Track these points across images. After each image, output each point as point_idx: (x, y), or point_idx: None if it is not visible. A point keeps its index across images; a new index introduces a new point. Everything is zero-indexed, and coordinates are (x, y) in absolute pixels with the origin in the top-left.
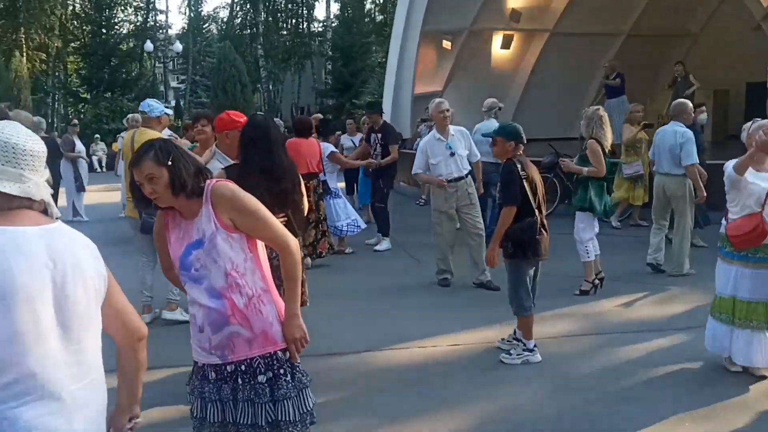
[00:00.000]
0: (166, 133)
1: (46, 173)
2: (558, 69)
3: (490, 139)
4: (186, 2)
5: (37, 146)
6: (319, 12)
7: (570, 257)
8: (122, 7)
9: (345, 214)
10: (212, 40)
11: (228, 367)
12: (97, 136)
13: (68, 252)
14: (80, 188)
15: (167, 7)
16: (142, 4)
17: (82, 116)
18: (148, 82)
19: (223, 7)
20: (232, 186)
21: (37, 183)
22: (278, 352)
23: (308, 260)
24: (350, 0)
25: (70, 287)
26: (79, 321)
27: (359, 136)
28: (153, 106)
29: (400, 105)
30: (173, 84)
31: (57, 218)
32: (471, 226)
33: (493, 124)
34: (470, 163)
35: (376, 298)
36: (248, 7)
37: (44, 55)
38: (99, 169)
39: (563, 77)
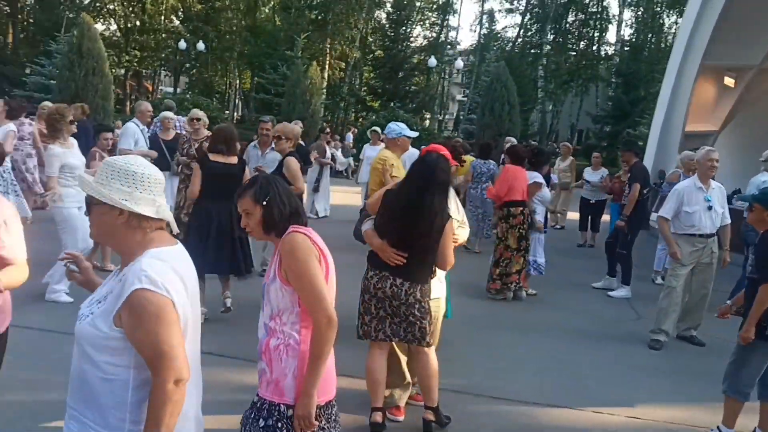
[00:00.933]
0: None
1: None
2: None
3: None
4: (477, 20)
5: (160, 175)
6: (612, 35)
7: None
8: (420, 24)
9: (542, 251)
10: (489, 59)
11: (255, 398)
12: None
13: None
14: (315, 189)
15: (458, 24)
16: (438, 21)
17: (359, 123)
18: (427, 95)
19: (512, 27)
20: (298, 242)
21: (163, 205)
22: (282, 405)
23: (522, 293)
24: (644, 27)
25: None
26: (195, 331)
27: (602, 170)
28: (391, 128)
29: (667, 142)
30: (459, 97)
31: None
32: (701, 286)
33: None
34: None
35: (569, 343)
36: (536, 27)
37: (343, 64)
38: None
39: None
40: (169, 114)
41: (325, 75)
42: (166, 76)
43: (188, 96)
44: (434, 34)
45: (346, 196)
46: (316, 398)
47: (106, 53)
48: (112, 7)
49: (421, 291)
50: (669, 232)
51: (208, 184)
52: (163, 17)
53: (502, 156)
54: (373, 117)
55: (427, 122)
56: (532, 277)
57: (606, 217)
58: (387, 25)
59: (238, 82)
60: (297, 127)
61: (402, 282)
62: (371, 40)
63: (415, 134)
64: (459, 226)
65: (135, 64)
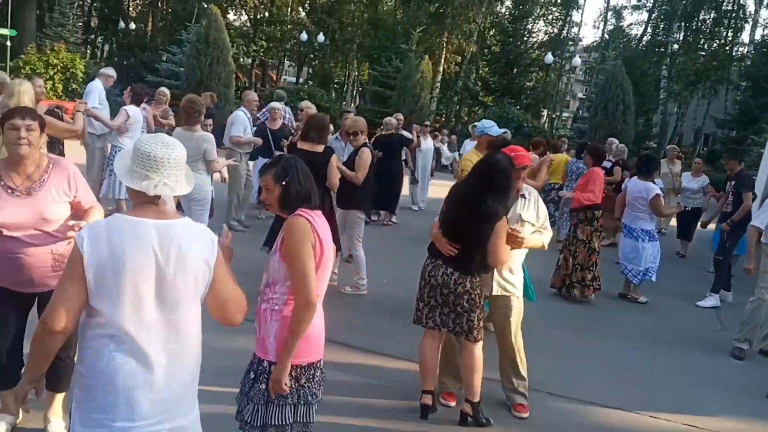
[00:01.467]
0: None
1: (176, 173)
2: None
3: None
4: (602, 17)
5: (169, 154)
6: (746, 35)
7: None
8: (542, 19)
9: (649, 259)
10: (609, 57)
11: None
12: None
13: (177, 242)
14: (413, 181)
15: (581, 20)
16: (560, 17)
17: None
18: (543, 92)
19: (637, 24)
20: (295, 225)
21: (157, 183)
22: (265, 361)
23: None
24: None
25: (170, 270)
26: (176, 297)
27: (702, 178)
28: (478, 125)
29: None
30: (580, 95)
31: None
32: None
33: None
34: None
35: (644, 347)
36: (664, 25)
37: (459, 58)
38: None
39: None
40: (277, 104)
41: (440, 69)
42: (291, 66)
43: (305, 86)
44: (556, 30)
45: (445, 191)
46: (289, 366)
47: (236, 42)
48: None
49: (471, 282)
50: (754, 243)
51: None
52: (289, 9)
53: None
54: (482, 111)
55: (543, 119)
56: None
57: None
58: (506, 20)
59: (356, 73)
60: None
61: (452, 271)
62: (489, 34)
63: (500, 131)
64: (536, 230)
65: (261, 54)
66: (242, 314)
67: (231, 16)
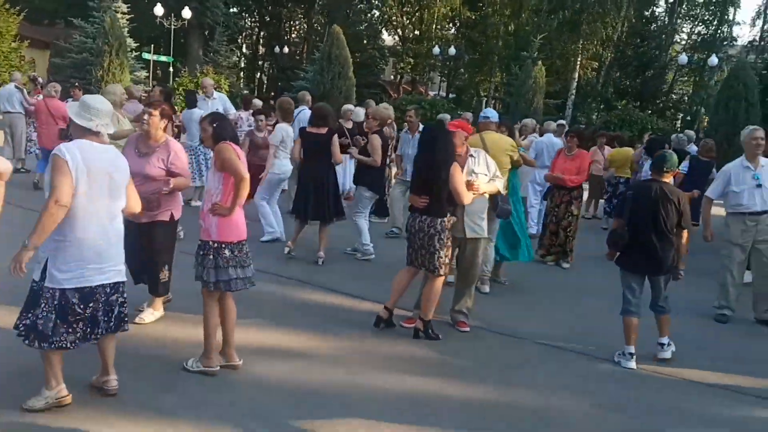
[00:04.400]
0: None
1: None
2: None
3: None
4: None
5: (103, 106)
6: None
7: None
8: (692, 20)
9: None
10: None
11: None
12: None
13: (114, 158)
14: None
15: (733, 18)
16: (708, 17)
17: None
18: (677, 94)
19: None
20: (224, 146)
21: (98, 124)
22: (210, 241)
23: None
24: None
25: (115, 174)
26: (117, 191)
27: None
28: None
29: None
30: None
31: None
32: (766, 264)
33: None
34: None
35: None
36: None
37: (596, 63)
38: None
39: None
40: (350, 107)
41: (575, 75)
42: (442, 80)
43: (435, 99)
44: (707, 30)
45: None
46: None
47: (389, 60)
48: (397, 19)
49: (441, 225)
50: (709, 214)
51: (304, 150)
52: (434, 26)
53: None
54: (605, 115)
55: (679, 122)
56: None
57: None
58: (642, 21)
59: (492, 83)
60: (386, 111)
61: (425, 218)
62: (623, 38)
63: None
64: (490, 179)
65: (408, 70)
66: (138, 209)
67: (386, 36)
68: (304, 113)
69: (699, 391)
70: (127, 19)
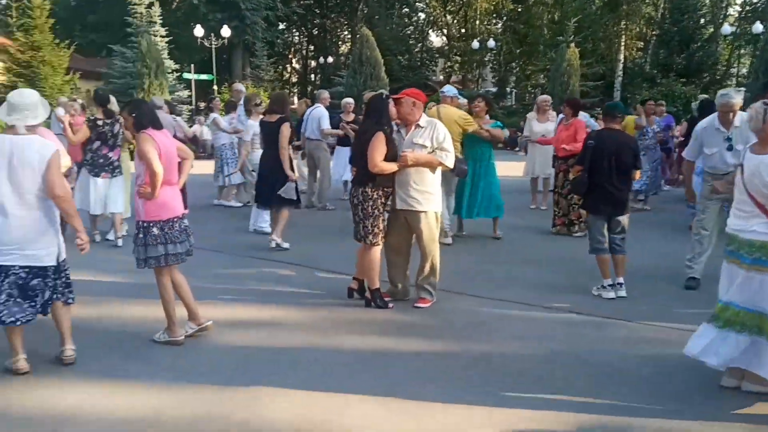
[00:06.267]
0: None
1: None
2: None
3: None
4: None
5: (21, 100)
6: None
7: None
8: None
9: None
10: None
11: None
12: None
13: (21, 149)
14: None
15: None
16: None
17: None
18: (723, 68)
19: None
20: (143, 137)
21: (16, 118)
22: (140, 221)
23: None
24: None
25: (16, 163)
26: (22, 180)
27: None
28: (450, 89)
29: None
30: None
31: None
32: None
33: None
34: None
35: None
36: None
37: (641, 43)
38: None
39: None
40: (350, 100)
41: (620, 57)
42: (494, 76)
43: (481, 92)
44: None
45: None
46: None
47: (438, 60)
48: (442, 19)
49: (363, 194)
50: (689, 174)
51: (262, 138)
52: (477, 22)
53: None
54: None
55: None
56: None
57: None
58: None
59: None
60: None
61: (354, 188)
62: (666, 16)
63: (451, 94)
64: (431, 152)
65: (456, 69)
66: (61, 196)
67: (434, 37)
68: (317, 110)
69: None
70: (166, 42)
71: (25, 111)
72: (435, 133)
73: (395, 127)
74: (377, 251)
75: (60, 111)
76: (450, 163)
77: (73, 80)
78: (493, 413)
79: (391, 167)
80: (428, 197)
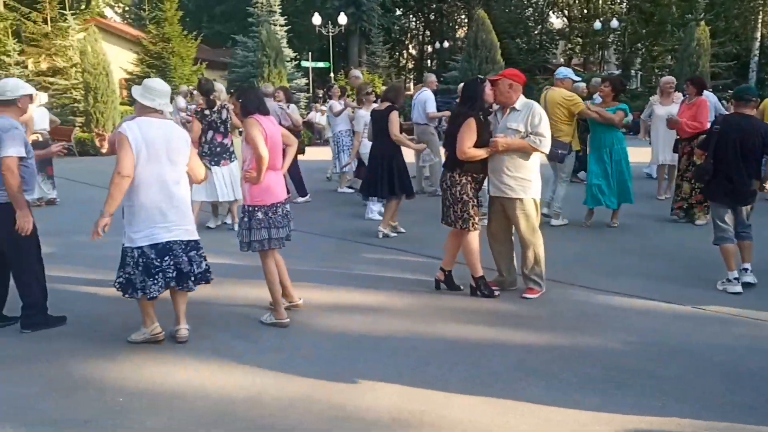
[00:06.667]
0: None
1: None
2: None
3: None
4: None
5: (163, 87)
6: None
7: None
8: None
9: None
10: None
11: None
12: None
13: (169, 131)
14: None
15: None
16: None
17: None
18: None
19: None
20: (249, 122)
21: (160, 103)
22: (245, 205)
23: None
24: None
25: (173, 144)
26: (177, 158)
27: None
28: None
29: None
30: None
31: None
32: None
33: None
34: None
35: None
36: None
37: None
38: None
39: None
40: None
41: (757, 35)
42: (618, 58)
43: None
44: None
45: None
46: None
47: (558, 43)
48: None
49: (451, 179)
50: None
51: (372, 127)
52: (600, 1)
53: None
54: None
55: None
56: None
57: None
58: None
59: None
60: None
61: (444, 172)
62: None
63: (565, 75)
64: (523, 136)
65: (577, 51)
66: (201, 178)
67: (554, 19)
68: (423, 94)
69: None
70: (285, 31)
71: (166, 98)
72: (530, 117)
73: (493, 109)
74: (473, 237)
75: (181, 101)
76: (545, 149)
77: (200, 70)
78: (600, 413)
79: (480, 154)
80: (523, 183)
